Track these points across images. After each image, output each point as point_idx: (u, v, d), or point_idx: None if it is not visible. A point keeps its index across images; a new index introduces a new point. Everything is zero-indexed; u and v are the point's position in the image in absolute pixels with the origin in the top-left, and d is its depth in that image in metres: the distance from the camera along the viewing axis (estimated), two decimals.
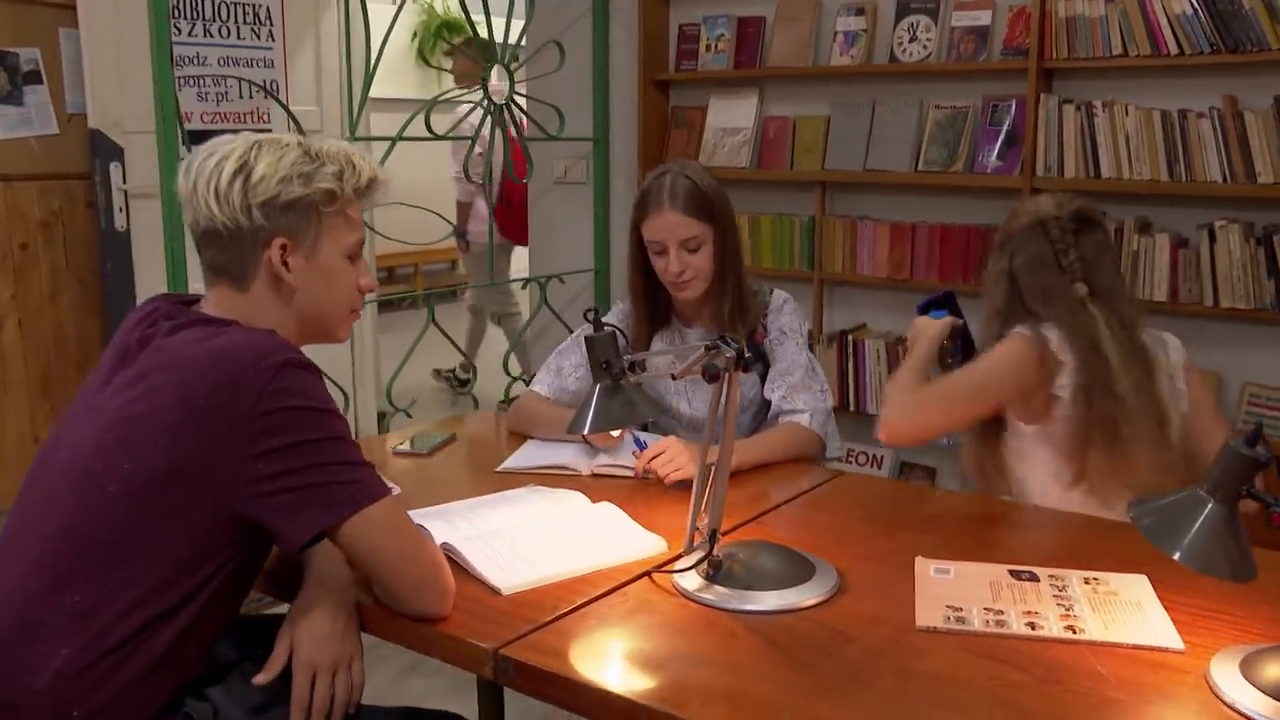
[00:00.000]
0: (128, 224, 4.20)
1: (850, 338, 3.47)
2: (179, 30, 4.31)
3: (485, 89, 3.59)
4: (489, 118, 3.61)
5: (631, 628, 1.42)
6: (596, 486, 1.93)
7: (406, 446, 2.19)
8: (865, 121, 3.43)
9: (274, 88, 4.67)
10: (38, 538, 1.35)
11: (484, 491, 1.88)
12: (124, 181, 4.16)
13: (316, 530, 1.33)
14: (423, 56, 8.37)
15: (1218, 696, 1.24)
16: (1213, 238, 2.86)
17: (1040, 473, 2.04)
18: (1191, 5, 2.81)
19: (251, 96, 4.60)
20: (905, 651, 1.36)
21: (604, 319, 2.05)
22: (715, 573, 1.51)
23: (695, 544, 1.53)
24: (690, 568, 1.51)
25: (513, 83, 3.67)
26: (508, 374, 4.14)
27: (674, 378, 1.63)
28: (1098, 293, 1.96)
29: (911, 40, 3.30)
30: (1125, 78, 3.00)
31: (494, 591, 1.49)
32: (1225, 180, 2.82)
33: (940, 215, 3.35)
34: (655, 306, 2.27)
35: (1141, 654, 1.34)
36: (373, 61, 3.33)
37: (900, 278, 3.38)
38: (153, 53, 2.72)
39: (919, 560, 1.60)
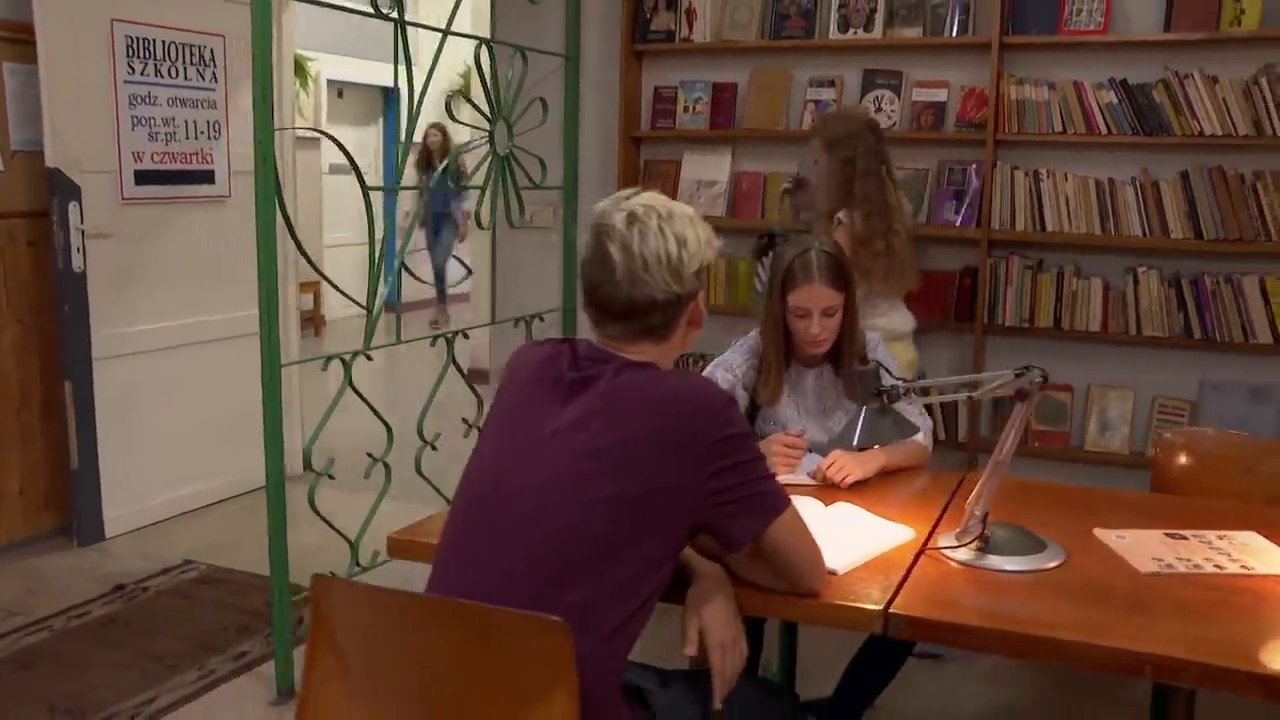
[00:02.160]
0: (84, 264, 4.17)
1: None
2: (132, 69, 4.34)
3: (492, 142, 3.89)
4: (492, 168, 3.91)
5: (950, 585, 1.86)
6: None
7: None
8: None
9: (215, 129, 4.74)
10: (525, 547, 1.61)
11: None
12: (81, 221, 4.13)
13: (756, 532, 1.68)
14: None
15: None
16: (1136, 281, 3.60)
17: None
18: (1116, 96, 3.54)
19: (196, 137, 4.66)
20: (1152, 589, 1.87)
21: (736, 346, 2.68)
22: (985, 545, 1.97)
23: (969, 525, 1.98)
24: (969, 543, 1.96)
25: (511, 136, 3.99)
26: (420, 438, 3.68)
27: (971, 398, 2.08)
28: None
29: (878, 111, 3.89)
30: (1065, 150, 3.71)
31: (831, 573, 1.88)
32: (1145, 235, 3.56)
33: None
34: (785, 357, 2.70)
35: None
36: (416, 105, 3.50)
37: None
38: (255, 110, 2.86)
39: (1098, 530, 2.12)
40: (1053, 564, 1.95)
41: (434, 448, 3.66)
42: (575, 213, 4.40)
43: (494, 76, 3.84)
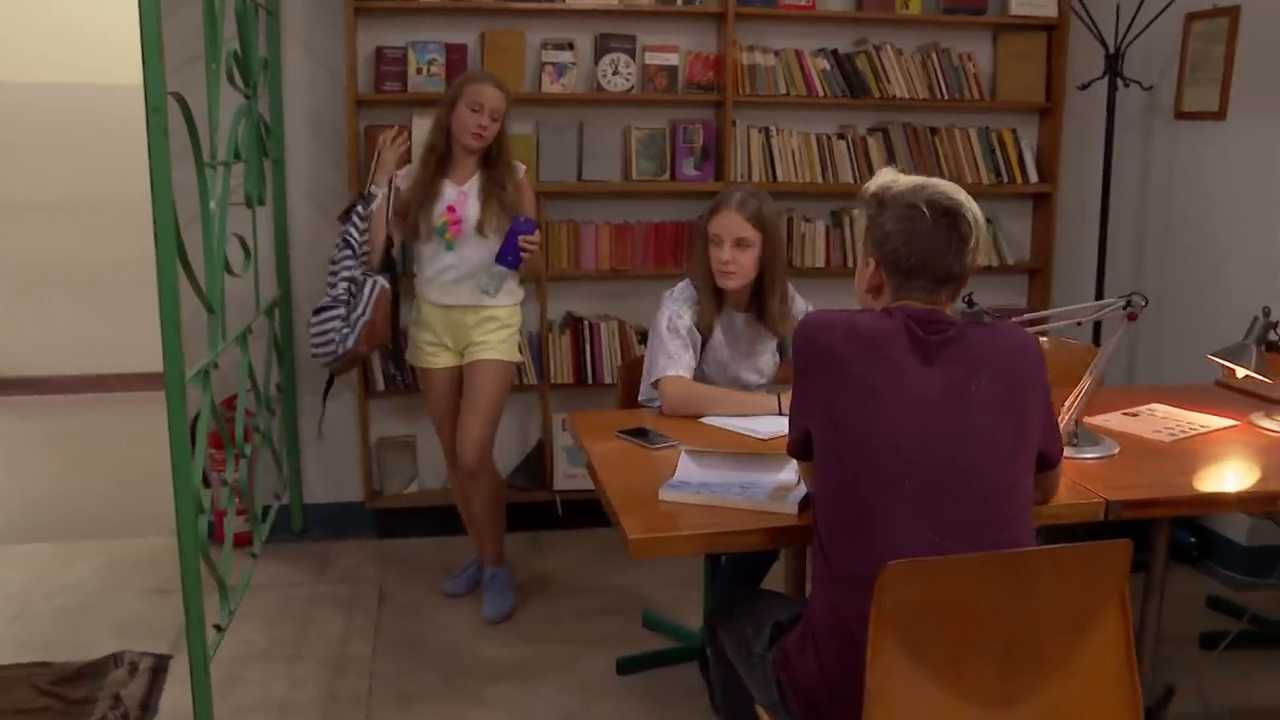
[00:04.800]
0: None
1: (587, 322, 4.13)
2: None
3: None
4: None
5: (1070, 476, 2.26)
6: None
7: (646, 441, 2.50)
8: (574, 141, 4.08)
9: None
10: (974, 496, 1.72)
11: None
12: None
13: (1060, 450, 1.93)
14: None
15: None
16: (850, 221, 4.22)
17: None
18: (829, 64, 4.11)
19: None
20: (1189, 450, 2.44)
21: (672, 296, 2.89)
22: (1075, 442, 2.39)
23: (1068, 428, 2.38)
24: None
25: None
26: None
27: (1079, 323, 2.44)
28: None
29: (615, 74, 4.05)
30: (790, 110, 4.19)
31: None
32: (855, 181, 4.19)
33: (651, 215, 4.18)
34: (718, 293, 2.87)
35: None
36: None
37: (622, 269, 4.14)
38: None
39: (1085, 419, 2.65)
40: (1116, 450, 2.43)
41: None
42: (284, 185, 3.96)
43: (246, 31, 3.33)
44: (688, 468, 2.23)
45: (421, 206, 3.30)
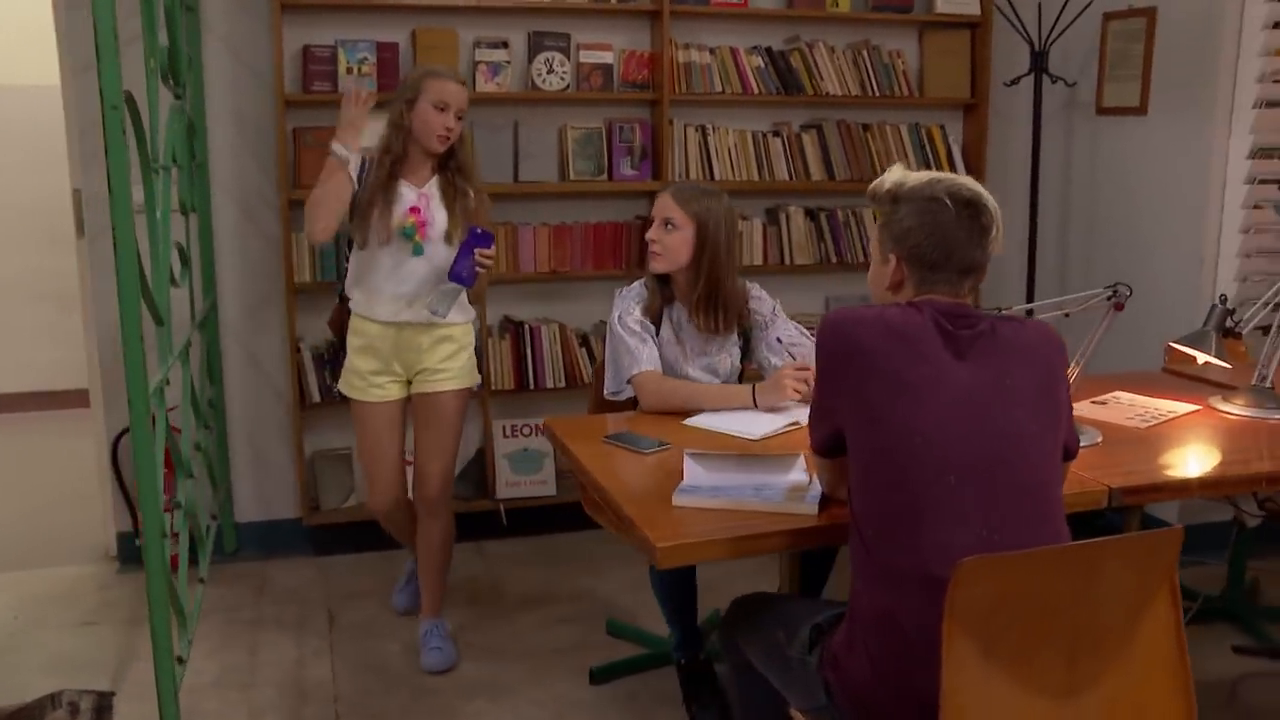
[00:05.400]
0: None
1: (527, 326, 4.04)
2: None
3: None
4: None
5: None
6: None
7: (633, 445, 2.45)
8: (509, 141, 3.99)
9: None
10: (1020, 490, 1.73)
11: None
12: None
13: (1078, 443, 1.96)
14: None
15: None
16: (787, 218, 4.24)
17: None
18: (763, 61, 4.11)
19: None
20: (1167, 436, 2.51)
21: (622, 294, 2.89)
22: None
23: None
24: None
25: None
26: None
27: (1066, 315, 2.45)
28: None
29: (550, 72, 3.97)
30: (726, 108, 4.18)
31: None
32: (791, 179, 4.21)
33: (589, 216, 4.11)
34: (663, 287, 2.89)
35: None
36: None
37: (561, 271, 4.06)
38: None
39: None
40: (1100, 439, 2.49)
41: None
42: (209, 191, 3.76)
43: (174, 27, 3.15)
44: (694, 471, 2.19)
45: (379, 211, 2.95)
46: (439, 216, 3.02)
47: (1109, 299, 2.34)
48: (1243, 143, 3.61)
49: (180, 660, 2.65)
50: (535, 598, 3.67)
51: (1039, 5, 4.08)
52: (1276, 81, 3.58)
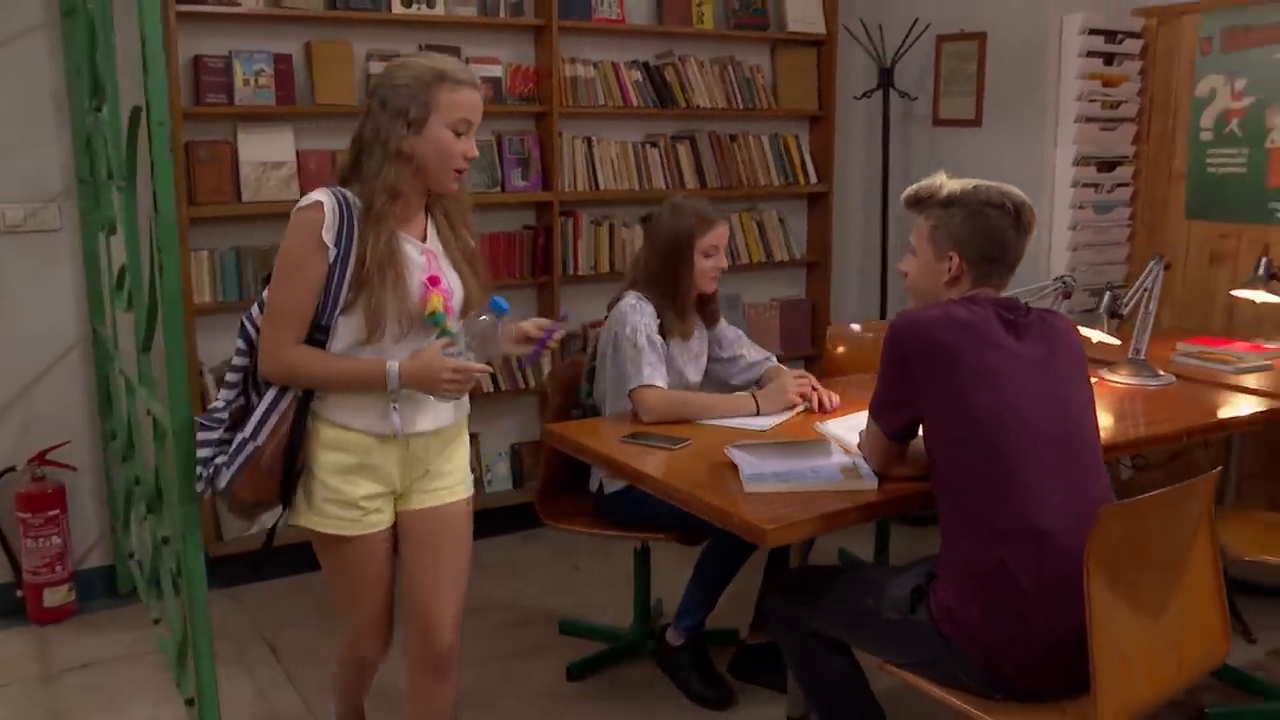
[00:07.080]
0: None
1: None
2: None
3: None
4: None
5: None
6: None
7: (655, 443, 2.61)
8: None
9: None
10: (1087, 451, 2.06)
11: None
12: None
13: None
14: None
15: None
16: None
17: None
18: (641, 75, 4.32)
19: None
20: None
21: (636, 309, 2.96)
22: None
23: None
24: None
25: None
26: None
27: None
28: None
29: None
30: (609, 120, 4.34)
31: None
32: (668, 187, 4.44)
33: (484, 227, 4.16)
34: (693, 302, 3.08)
35: None
36: None
37: None
38: None
39: None
40: None
41: None
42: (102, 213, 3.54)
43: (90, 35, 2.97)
44: (747, 460, 2.37)
45: (394, 292, 2.08)
46: (453, 281, 2.21)
47: (1059, 290, 2.73)
48: (1067, 152, 4.18)
49: (190, 702, 2.54)
50: (474, 608, 3.69)
51: (880, 26, 4.52)
52: (1093, 100, 4.16)
